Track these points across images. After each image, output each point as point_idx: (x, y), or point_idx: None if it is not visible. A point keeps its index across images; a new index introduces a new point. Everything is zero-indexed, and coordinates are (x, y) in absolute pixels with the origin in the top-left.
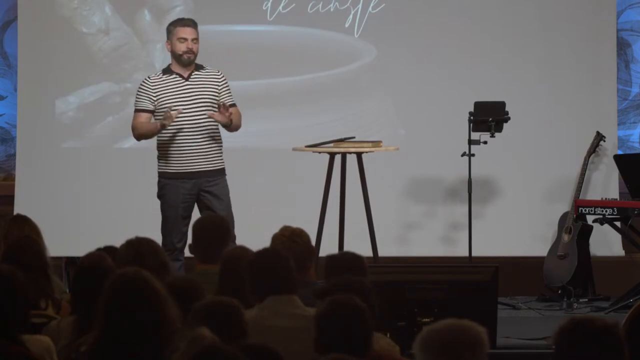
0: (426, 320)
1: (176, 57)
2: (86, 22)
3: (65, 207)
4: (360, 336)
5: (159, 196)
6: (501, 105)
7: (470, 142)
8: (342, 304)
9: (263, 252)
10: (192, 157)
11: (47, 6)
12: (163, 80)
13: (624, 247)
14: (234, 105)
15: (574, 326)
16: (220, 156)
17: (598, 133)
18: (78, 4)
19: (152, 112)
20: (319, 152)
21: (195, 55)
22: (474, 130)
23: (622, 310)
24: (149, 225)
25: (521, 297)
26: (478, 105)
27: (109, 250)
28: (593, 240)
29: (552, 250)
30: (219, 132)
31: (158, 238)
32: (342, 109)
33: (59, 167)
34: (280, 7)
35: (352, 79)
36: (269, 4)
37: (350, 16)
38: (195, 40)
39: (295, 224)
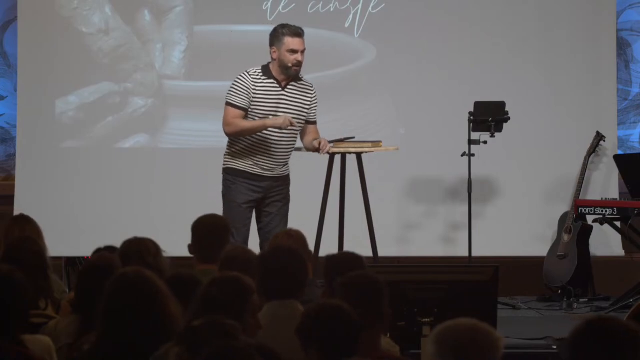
0: (426, 320)
1: (283, 67)
2: (86, 22)
3: (65, 207)
4: (346, 336)
5: (225, 193)
6: (501, 105)
7: (470, 142)
8: (324, 308)
9: (274, 255)
10: (268, 163)
11: (47, 6)
12: (262, 82)
13: (624, 247)
14: (314, 122)
15: (591, 327)
16: (288, 163)
17: (598, 133)
18: (78, 4)
19: (246, 111)
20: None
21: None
22: (474, 130)
23: (622, 310)
24: (149, 225)
25: (521, 297)
26: (478, 105)
27: (108, 250)
28: (593, 240)
29: (552, 250)
30: (295, 142)
31: (158, 238)
32: (342, 109)
33: (59, 167)
34: (280, 7)
35: (352, 79)
36: (269, 4)
37: (350, 16)
38: (304, 51)
39: (295, 224)
